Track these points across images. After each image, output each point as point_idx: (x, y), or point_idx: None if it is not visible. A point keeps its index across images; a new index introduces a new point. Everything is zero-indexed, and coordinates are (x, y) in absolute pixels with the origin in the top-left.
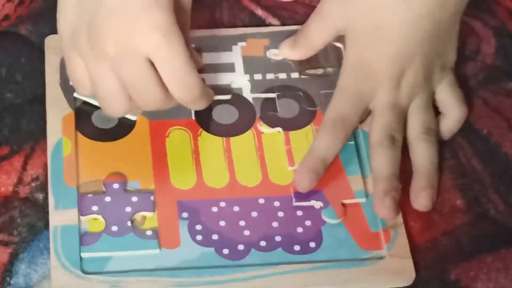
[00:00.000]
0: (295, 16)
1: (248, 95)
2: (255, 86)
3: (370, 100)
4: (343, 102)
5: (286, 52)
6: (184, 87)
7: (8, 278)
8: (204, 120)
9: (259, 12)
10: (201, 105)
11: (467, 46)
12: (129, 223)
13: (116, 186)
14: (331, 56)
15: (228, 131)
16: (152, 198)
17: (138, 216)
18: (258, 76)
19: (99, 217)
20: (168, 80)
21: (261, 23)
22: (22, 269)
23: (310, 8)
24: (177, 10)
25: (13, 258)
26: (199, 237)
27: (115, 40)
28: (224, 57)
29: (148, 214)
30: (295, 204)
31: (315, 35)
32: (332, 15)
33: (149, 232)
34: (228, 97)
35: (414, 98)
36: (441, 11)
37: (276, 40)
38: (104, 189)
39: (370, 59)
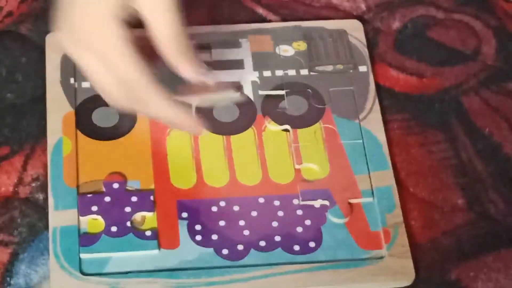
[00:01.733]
0: (295, 14)
1: (257, 92)
2: (264, 83)
3: None
4: None
5: None
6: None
7: (8, 278)
8: (204, 118)
9: (260, 10)
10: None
11: (467, 46)
12: (128, 224)
13: (115, 186)
14: (341, 53)
15: (229, 129)
16: (151, 198)
17: (138, 216)
18: (267, 73)
19: (99, 217)
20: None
21: (262, 21)
22: (23, 269)
23: (311, 7)
24: None
25: (13, 258)
26: (198, 237)
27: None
28: (234, 54)
29: (147, 214)
30: (302, 203)
31: None
32: None
33: (148, 233)
34: (237, 94)
35: None
36: None
37: (278, 36)
38: (103, 189)
39: None
